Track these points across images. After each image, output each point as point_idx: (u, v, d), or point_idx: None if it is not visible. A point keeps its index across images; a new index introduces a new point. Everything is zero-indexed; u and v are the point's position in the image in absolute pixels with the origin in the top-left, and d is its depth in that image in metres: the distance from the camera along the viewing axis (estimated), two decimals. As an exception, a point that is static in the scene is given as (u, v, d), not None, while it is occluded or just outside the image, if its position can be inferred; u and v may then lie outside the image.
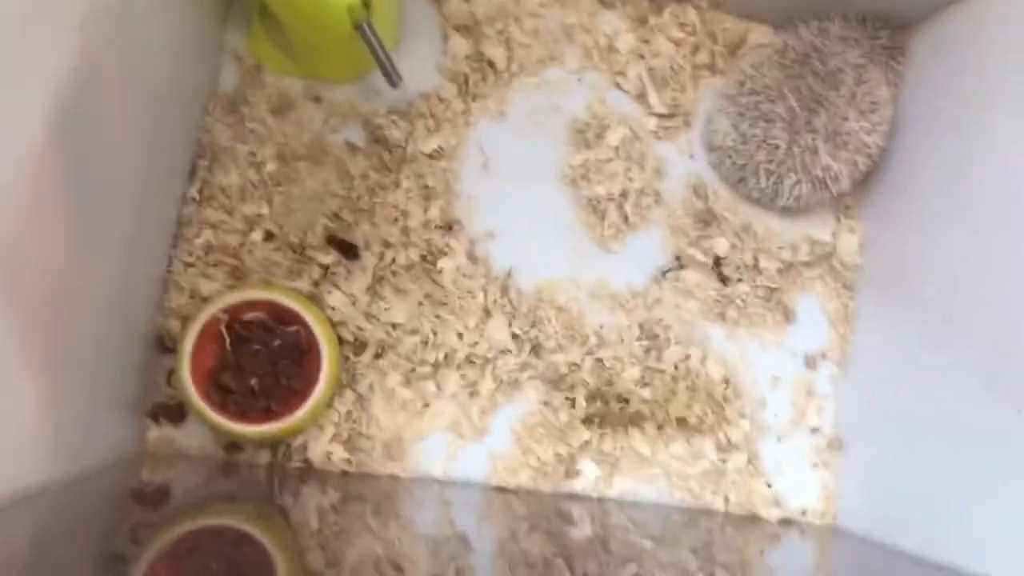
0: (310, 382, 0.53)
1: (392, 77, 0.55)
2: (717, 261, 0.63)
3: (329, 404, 0.56)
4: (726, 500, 0.61)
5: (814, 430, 0.63)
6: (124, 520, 0.52)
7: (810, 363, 0.64)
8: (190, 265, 0.55)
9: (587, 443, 0.59)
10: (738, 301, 0.63)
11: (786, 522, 0.62)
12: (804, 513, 0.62)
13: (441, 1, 0.61)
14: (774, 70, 0.59)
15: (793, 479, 0.62)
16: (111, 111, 0.43)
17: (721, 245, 0.63)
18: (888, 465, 0.59)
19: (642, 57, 0.63)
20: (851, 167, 0.59)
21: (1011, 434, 0.48)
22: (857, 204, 0.65)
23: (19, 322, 0.35)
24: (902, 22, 0.62)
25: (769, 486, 0.62)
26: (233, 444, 0.56)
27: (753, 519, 0.62)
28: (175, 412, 0.56)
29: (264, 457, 0.56)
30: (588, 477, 0.59)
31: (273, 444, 0.56)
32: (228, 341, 0.54)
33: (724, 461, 0.61)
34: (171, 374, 0.55)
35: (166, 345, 0.55)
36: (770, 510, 0.62)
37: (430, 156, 0.60)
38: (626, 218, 0.62)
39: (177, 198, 0.56)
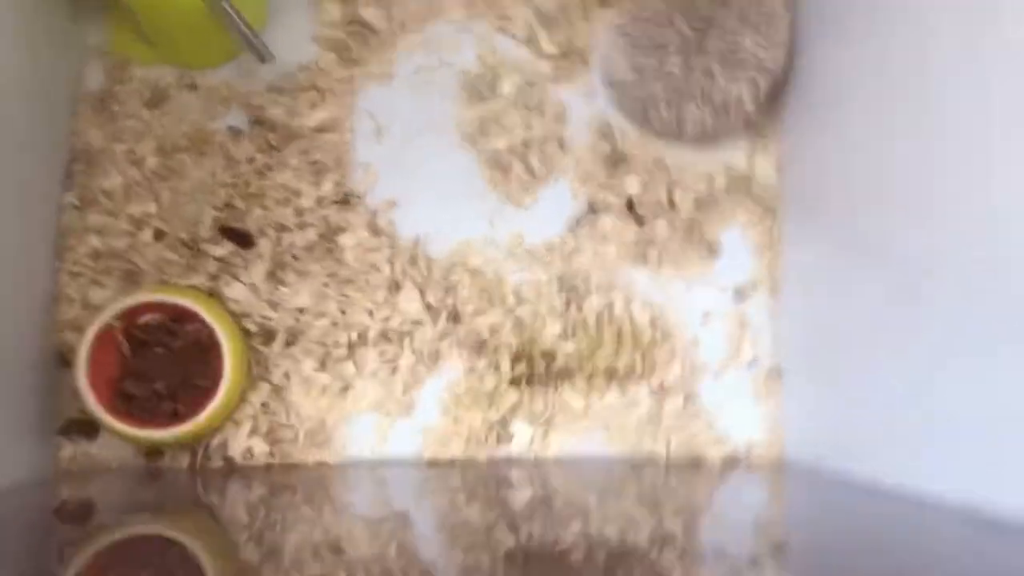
0: (216, 378, 0.52)
1: (261, 53, 0.53)
2: (631, 202, 0.61)
3: (242, 397, 0.54)
4: (668, 445, 0.60)
5: (751, 363, 0.62)
6: (47, 539, 0.51)
7: (740, 295, 0.62)
8: (78, 275, 0.53)
9: (517, 405, 0.58)
10: (658, 241, 0.61)
11: (731, 460, 0.61)
12: (750, 449, 0.61)
13: (309, -33, 0.58)
14: (662, -5, 0.57)
15: (735, 416, 0.61)
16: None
17: (632, 184, 0.60)
18: (829, 389, 0.58)
19: (527, -2, 0.60)
20: (752, 87, 0.57)
21: (935, 346, 0.46)
22: (770, 124, 0.63)
23: None
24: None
25: (711, 426, 0.61)
26: (153, 451, 0.55)
27: (698, 461, 0.61)
28: (88, 427, 0.54)
29: (185, 460, 0.55)
30: (522, 439, 0.58)
31: (192, 446, 0.55)
32: (127, 347, 0.52)
33: (660, 406, 0.60)
34: (76, 389, 0.53)
35: (67, 360, 0.53)
36: (714, 450, 0.60)
37: (317, 130, 0.57)
38: (532, 169, 0.60)
39: (54, 207, 0.53)
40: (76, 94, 0.55)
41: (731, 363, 0.61)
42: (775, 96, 0.61)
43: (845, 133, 0.56)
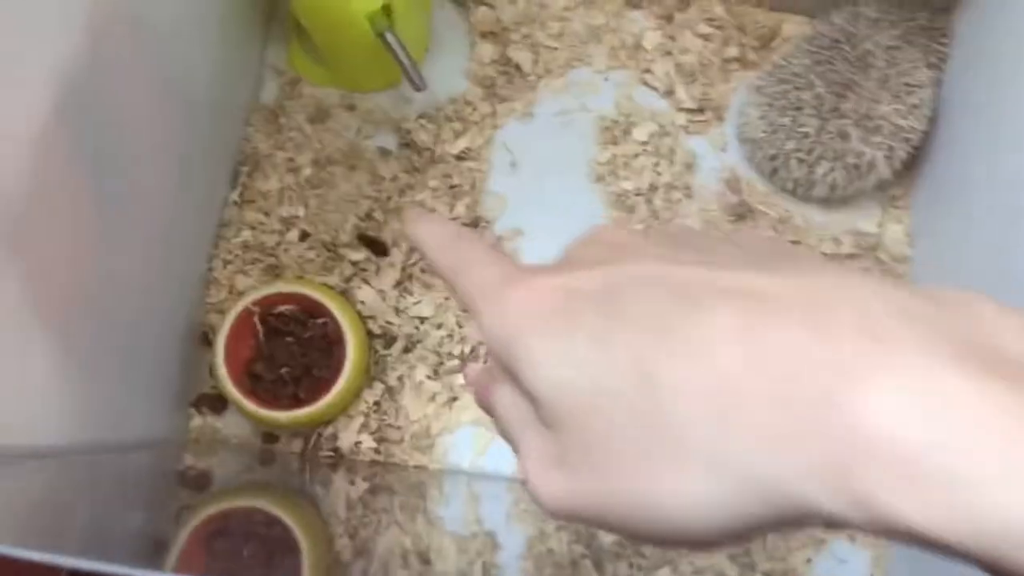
0: (337, 371, 0.55)
1: (416, 82, 0.57)
2: (752, 255, 0.61)
3: (357, 394, 0.58)
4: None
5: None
6: (166, 499, 0.55)
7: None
8: (229, 263, 0.59)
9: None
10: (776, 296, 0.61)
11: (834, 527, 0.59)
12: (854, 519, 0.59)
13: (469, 9, 0.64)
14: (803, 58, 0.58)
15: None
16: (138, 116, 0.47)
17: (755, 238, 0.61)
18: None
19: (669, 53, 0.63)
20: (886, 152, 0.57)
21: None
22: (906, 192, 0.63)
23: (31, 288, 0.39)
24: (942, 3, 0.60)
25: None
26: (270, 434, 0.59)
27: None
28: (217, 402, 0.59)
29: (297, 446, 0.58)
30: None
31: (305, 433, 0.58)
32: (261, 332, 0.57)
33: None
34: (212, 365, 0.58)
35: (208, 339, 0.59)
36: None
37: (457, 157, 0.61)
38: (655, 212, 0.62)
39: (219, 202, 0.60)
40: (251, 105, 0.62)
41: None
42: (912, 164, 0.60)
43: (975, 210, 0.55)
